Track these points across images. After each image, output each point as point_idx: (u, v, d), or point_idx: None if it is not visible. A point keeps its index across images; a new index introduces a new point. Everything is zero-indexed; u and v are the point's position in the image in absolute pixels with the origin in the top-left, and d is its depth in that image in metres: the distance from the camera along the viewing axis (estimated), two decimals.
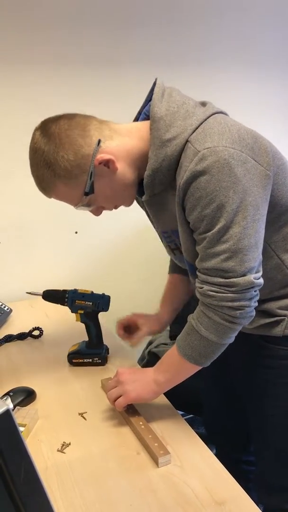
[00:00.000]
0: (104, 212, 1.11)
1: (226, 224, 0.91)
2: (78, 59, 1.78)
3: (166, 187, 1.01)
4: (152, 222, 1.18)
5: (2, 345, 1.52)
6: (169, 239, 1.11)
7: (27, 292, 1.42)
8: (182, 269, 1.32)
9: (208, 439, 1.41)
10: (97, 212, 1.10)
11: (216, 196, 0.90)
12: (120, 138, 1.01)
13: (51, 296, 1.37)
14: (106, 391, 1.16)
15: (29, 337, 1.57)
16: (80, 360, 1.38)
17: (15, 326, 1.66)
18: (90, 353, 1.38)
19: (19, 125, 1.75)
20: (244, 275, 0.93)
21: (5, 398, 1.18)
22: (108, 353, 1.41)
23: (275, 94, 2.26)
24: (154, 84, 1.03)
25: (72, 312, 1.38)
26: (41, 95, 1.76)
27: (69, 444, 1.06)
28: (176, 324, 2.04)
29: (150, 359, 1.91)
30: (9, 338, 1.55)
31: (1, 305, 1.71)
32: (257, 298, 0.98)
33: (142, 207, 1.22)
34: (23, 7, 1.66)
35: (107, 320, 1.54)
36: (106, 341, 1.41)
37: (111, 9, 1.79)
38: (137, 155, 1.02)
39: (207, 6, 1.97)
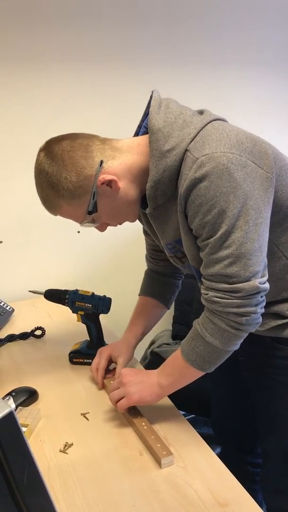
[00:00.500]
0: None
1: (228, 229, 0.91)
2: (79, 57, 1.78)
3: (168, 198, 1.02)
4: (154, 235, 1.18)
5: (4, 344, 1.52)
6: (174, 249, 1.11)
7: (29, 291, 1.43)
8: (155, 291, 1.34)
9: (215, 439, 1.41)
10: (102, 228, 1.11)
11: (217, 202, 0.90)
12: (122, 156, 1.02)
13: (53, 295, 1.37)
14: (108, 392, 1.16)
15: (31, 337, 1.57)
16: (81, 360, 1.38)
17: (17, 325, 1.66)
18: (91, 353, 1.37)
19: (20, 125, 1.75)
20: (248, 280, 0.93)
21: (7, 398, 1.18)
22: None
23: (277, 93, 2.25)
24: (151, 97, 1.03)
25: (72, 312, 1.37)
26: (42, 94, 1.76)
27: (72, 444, 1.05)
28: (178, 324, 2.05)
29: (152, 359, 1.91)
30: (11, 338, 1.55)
31: (3, 304, 1.71)
32: (264, 304, 0.97)
33: (141, 222, 1.23)
34: (24, 6, 1.65)
35: (108, 321, 1.54)
36: (107, 341, 1.41)
37: (111, 8, 1.79)
38: (139, 171, 1.02)
39: (208, 6, 1.96)
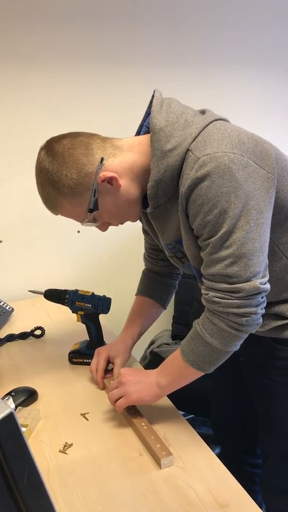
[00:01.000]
0: None
1: (229, 229, 0.91)
2: (79, 57, 1.78)
3: (169, 197, 1.02)
4: (154, 235, 1.18)
5: (3, 344, 1.52)
6: (174, 249, 1.11)
7: (29, 290, 1.43)
8: (152, 291, 1.34)
9: (214, 439, 1.41)
10: (103, 227, 1.11)
11: (218, 202, 0.90)
12: (123, 155, 1.02)
13: (52, 295, 1.37)
14: (108, 392, 1.15)
15: (31, 337, 1.57)
16: (80, 360, 1.38)
17: (17, 325, 1.66)
18: (90, 353, 1.37)
19: (19, 124, 1.75)
20: (249, 280, 0.92)
21: (7, 398, 1.17)
22: None
23: (277, 92, 2.25)
24: (153, 97, 1.03)
25: (72, 312, 1.37)
26: (42, 93, 1.75)
27: (71, 444, 1.05)
28: (178, 324, 2.05)
29: (152, 359, 1.91)
30: (11, 338, 1.54)
31: (3, 304, 1.71)
32: (264, 305, 0.97)
33: (141, 221, 1.23)
34: (24, 6, 1.65)
35: (108, 320, 1.54)
36: (107, 341, 1.41)
37: (112, 8, 1.78)
38: (140, 170, 1.02)
39: (209, 5, 1.96)
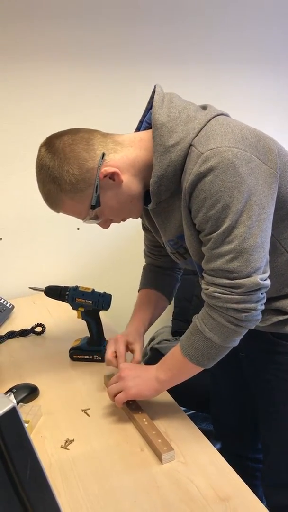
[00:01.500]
0: None
1: (231, 224, 0.91)
2: (78, 55, 1.78)
3: (171, 193, 1.01)
4: (155, 231, 1.18)
5: (4, 341, 1.52)
6: (176, 245, 1.11)
7: (29, 287, 1.43)
8: (158, 284, 1.32)
9: (214, 435, 1.41)
10: (105, 224, 1.10)
11: (221, 197, 0.90)
12: (124, 150, 1.01)
13: (53, 292, 1.37)
14: (107, 386, 1.16)
15: (31, 334, 1.57)
16: (81, 356, 1.38)
17: (17, 322, 1.66)
18: (91, 350, 1.38)
19: (19, 122, 1.75)
20: (249, 276, 0.93)
21: (8, 394, 1.18)
22: None
23: (278, 90, 2.25)
24: (154, 92, 1.03)
25: (73, 309, 1.38)
26: (41, 90, 1.75)
27: (73, 440, 1.06)
28: (178, 320, 2.06)
29: (152, 355, 1.92)
30: (11, 335, 1.55)
31: (3, 301, 1.71)
32: (264, 301, 0.97)
33: (142, 217, 1.22)
34: (24, 3, 1.65)
35: (107, 317, 1.54)
36: (108, 337, 1.41)
37: (111, 5, 1.78)
38: (142, 165, 1.02)
39: (208, 3, 1.96)
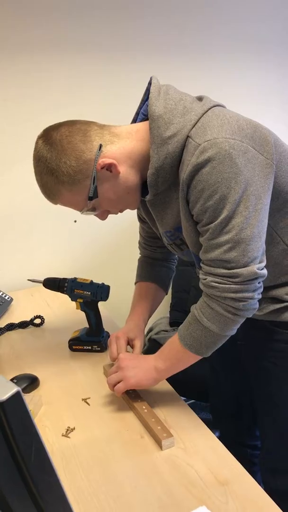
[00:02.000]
0: None
1: (228, 215, 0.92)
2: (76, 46, 1.77)
3: (169, 185, 1.02)
4: (152, 223, 1.19)
5: (4, 333, 1.53)
6: (173, 236, 1.12)
7: (28, 279, 1.43)
8: (154, 276, 1.34)
9: (212, 423, 1.43)
10: (102, 216, 1.11)
11: (219, 188, 0.91)
12: (121, 142, 1.02)
13: (51, 284, 1.38)
14: (107, 377, 1.17)
15: (30, 326, 1.58)
16: (80, 347, 1.40)
17: (16, 315, 1.67)
18: (90, 340, 1.39)
19: (17, 113, 1.75)
20: (247, 265, 0.94)
21: None
22: (108, 339, 1.42)
23: (275, 81, 2.25)
24: (150, 83, 1.03)
25: (71, 300, 1.39)
26: (38, 82, 1.75)
27: (74, 429, 1.07)
28: (176, 311, 2.07)
29: (150, 346, 1.93)
30: (10, 327, 1.56)
31: (2, 294, 1.72)
32: (261, 290, 0.99)
33: (139, 209, 1.23)
34: None
35: (107, 308, 1.56)
36: (106, 327, 1.43)
37: None
38: (139, 157, 1.02)
39: None
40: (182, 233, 1.08)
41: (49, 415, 1.12)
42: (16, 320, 1.60)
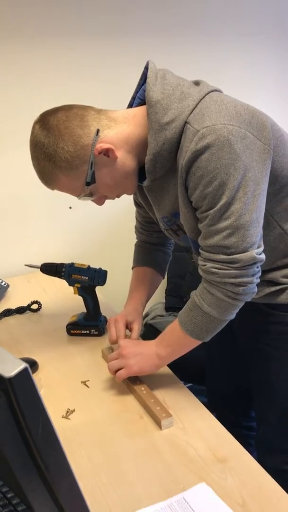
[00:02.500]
0: None
1: (227, 201, 0.93)
2: (74, 30, 1.76)
3: (166, 171, 1.02)
4: (149, 208, 1.19)
5: (1, 319, 1.54)
6: (170, 222, 1.13)
7: (25, 265, 1.43)
8: (151, 261, 1.35)
9: (209, 405, 1.45)
10: (99, 201, 1.11)
11: (218, 174, 0.91)
12: (118, 126, 1.02)
13: (49, 269, 1.38)
14: (107, 361, 1.18)
15: (28, 311, 1.59)
16: (78, 331, 1.41)
17: (13, 301, 1.67)
18: (88, 324, 1.40)
19: (12, 100, 1.74)
20: (246, 251, 0.95)
21: None
22: (106, 324, 1.43)
23: (269, 65, 2.24)
24: (146, 68, 1.03)
25: (69, 285, 1.39)
26: (36, 68, 1.73)
27: (73, 410, 1.09)
28: (171, 296, 2.09)
29: (146, 331, 1.94)
30: (8, 312, 1.56)
31: None
32: (259, 274, 1.00)
33: (135, 194, 1.23)
34: None
35: (104, 294, 1.57)
36: (103, 312, 1.44)
37: None
38: (136, 142, 1.02)
39: None
40: (178, 219, 1.09)
41: (48, 397, 1.13)
42: (13, 306, 1.60)
